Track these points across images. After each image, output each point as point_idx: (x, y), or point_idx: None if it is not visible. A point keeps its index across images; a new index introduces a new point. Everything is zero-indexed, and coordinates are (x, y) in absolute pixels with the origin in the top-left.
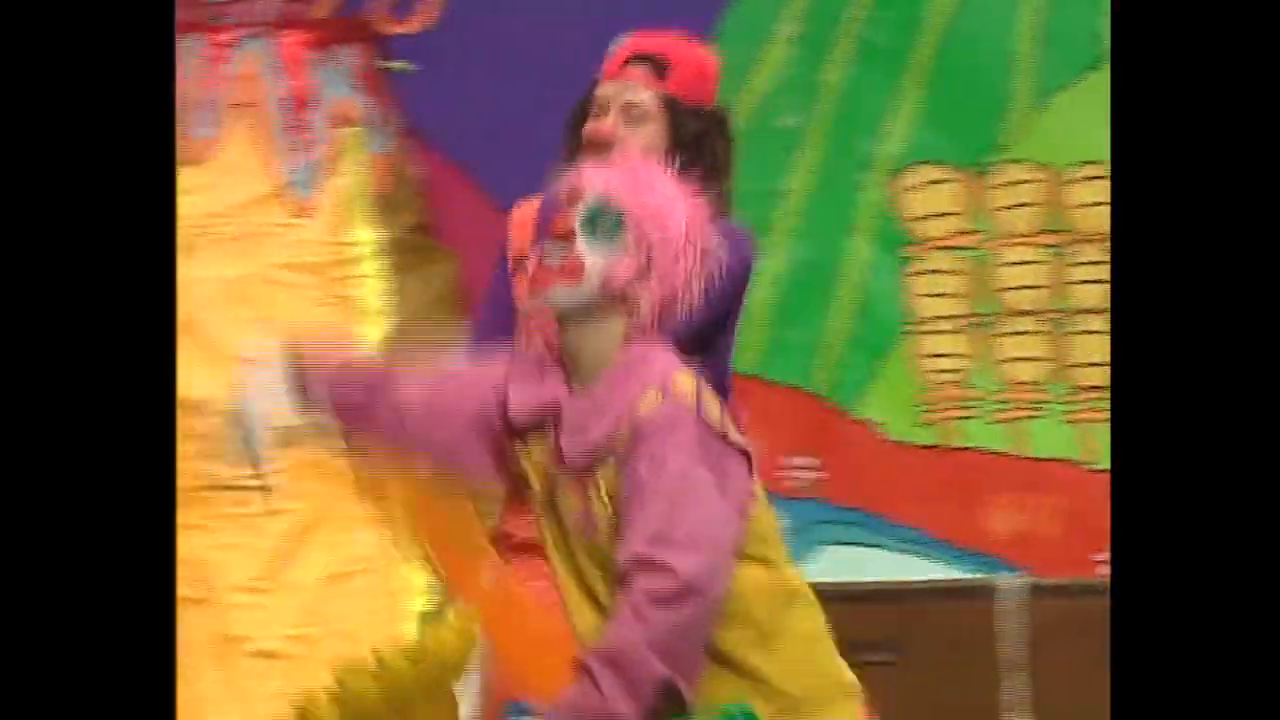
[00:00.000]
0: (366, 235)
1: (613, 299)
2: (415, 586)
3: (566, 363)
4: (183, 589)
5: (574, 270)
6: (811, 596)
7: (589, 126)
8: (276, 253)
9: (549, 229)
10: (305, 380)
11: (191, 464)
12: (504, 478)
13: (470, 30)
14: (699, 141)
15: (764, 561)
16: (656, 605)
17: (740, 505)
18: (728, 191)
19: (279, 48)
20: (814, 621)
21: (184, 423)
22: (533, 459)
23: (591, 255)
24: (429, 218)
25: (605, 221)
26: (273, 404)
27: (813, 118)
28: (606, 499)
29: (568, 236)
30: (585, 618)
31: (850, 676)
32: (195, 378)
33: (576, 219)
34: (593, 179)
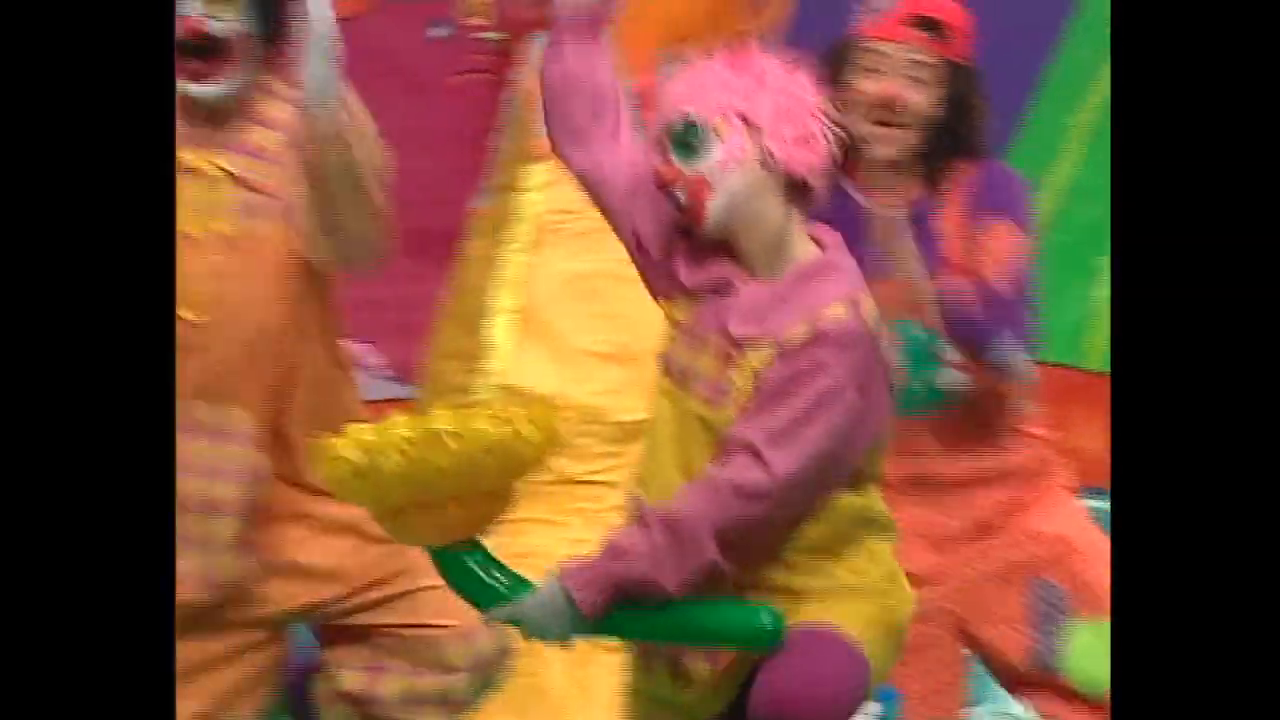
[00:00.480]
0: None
1: (753, 178)
2: None
3: (736, 250)
4: None
5: (700, 190)
6: (888, 522)
7: (874, 85)
8: (622, 249)
9: (656, 184)
10: None
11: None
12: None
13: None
14: (965, 100)
15: (862, 492)
16: (738, 496)
17: (873, 435)
18: (980, 143)
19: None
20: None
21: None
22: (675, 314)
23: (701, 166)
24: None
25: (688, 134)
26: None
27: None
28: (750, 375)
29: (674, 179)
30: (669, 477)
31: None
32: (538, 373)
33: (671, 155)
34: (658, 112)
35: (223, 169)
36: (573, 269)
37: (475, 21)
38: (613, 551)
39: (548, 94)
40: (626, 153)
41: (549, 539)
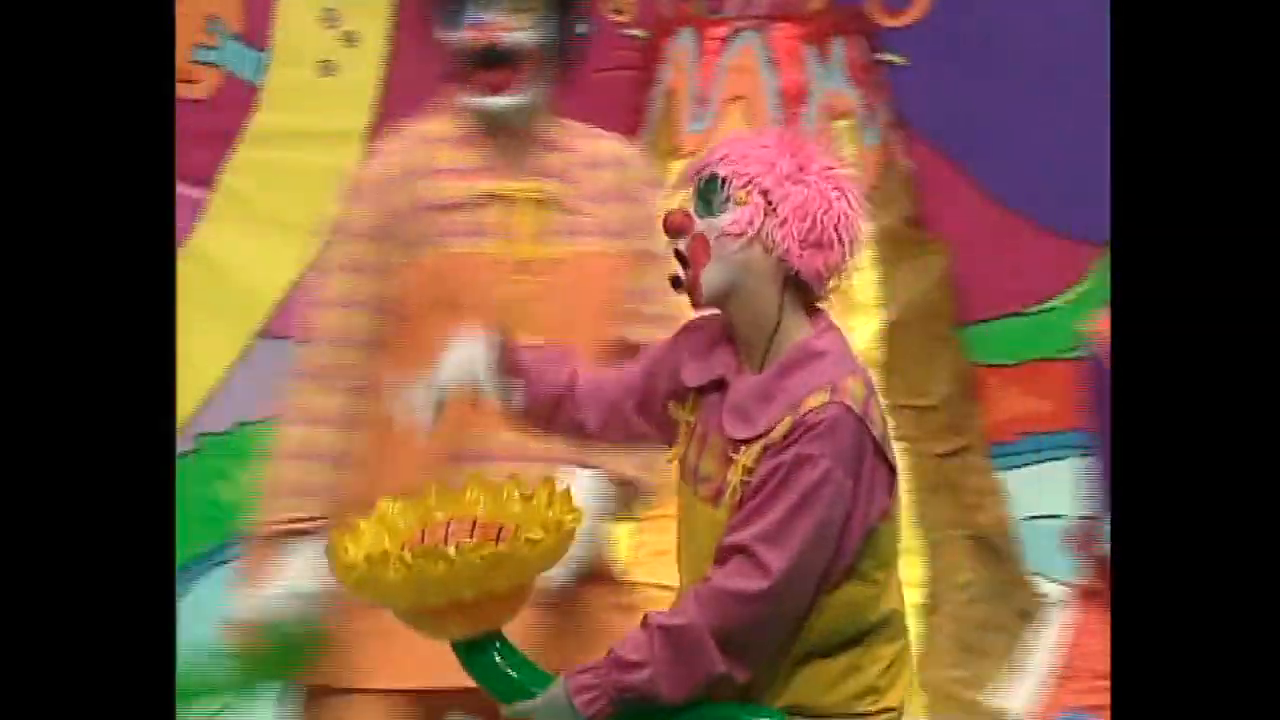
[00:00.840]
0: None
1: (753, 257)
2: None
3: (734, 336)
4: None
5: (698, 250)
6: (900, 622)
7: None
8: None
9: (664, 228)
10: (508, 351)
11: None
12: (654, 429)
13: (959, 22)
14: None
15: (870, 581)
16: (738, 601)
17: (869, 521)
18: None
19: (773, 41)
20: (893, 645)
21: None
22: (684, 416)
23: (708, 227)
24: (920, 209)
25: (709, 190)
26: (465, 374)
27: None
28: (741, 474)
29: (682, 222)
30: (698, 577)
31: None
32: None
33: (692, 200)
34: (702, 163)
35: (536, 194)
36: None
37: (619, 19)
38: (616, 661)
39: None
40: (619, 385)
41: None
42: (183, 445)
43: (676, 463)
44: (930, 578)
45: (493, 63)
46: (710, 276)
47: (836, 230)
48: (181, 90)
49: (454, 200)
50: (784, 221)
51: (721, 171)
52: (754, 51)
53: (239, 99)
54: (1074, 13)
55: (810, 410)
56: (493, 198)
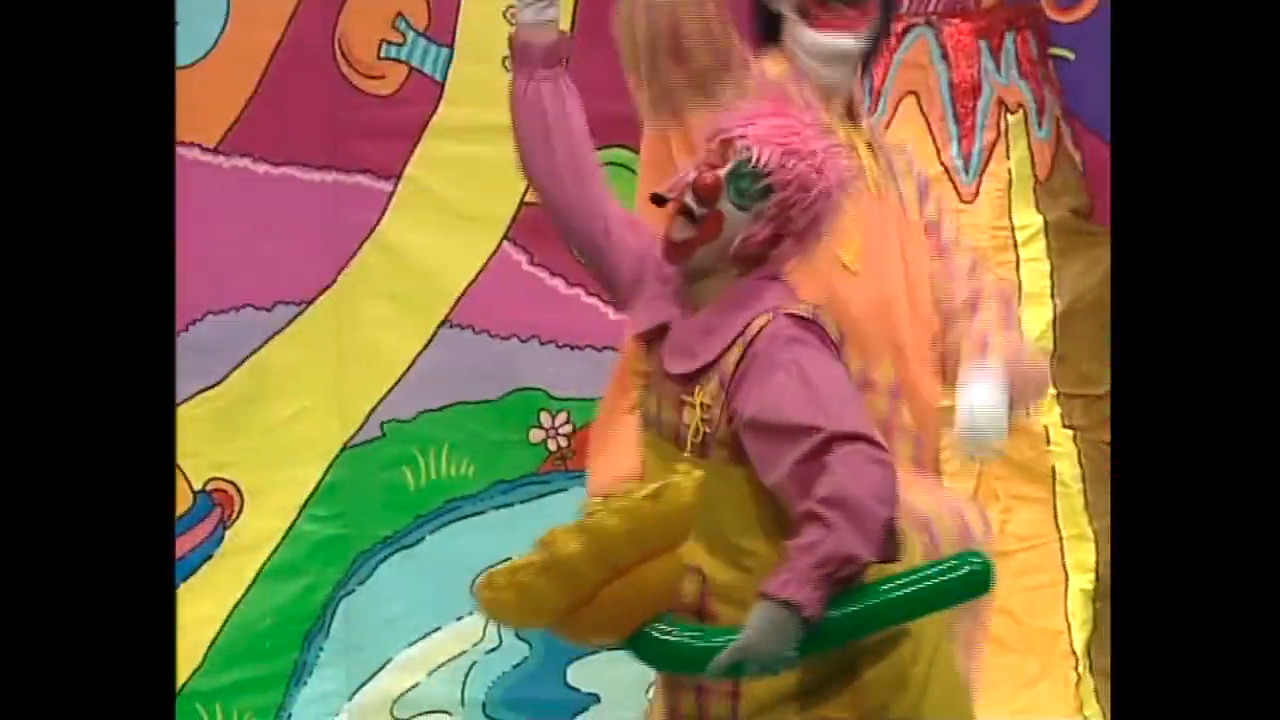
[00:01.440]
0: (1029, 219)
1: (743, 259)
2: (1079, 564)
3: (684, 299)
4: None
5: (712, 225)
6: None
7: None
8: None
9: (693, 185)
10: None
11: None
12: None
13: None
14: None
15: None
16: (869, 461)
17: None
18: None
19: (946, 36)
20: None
21: None
22: (641, 368)
23: (732, 217)
24: (1090, 201)
25: (750, 185)
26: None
27: None
28: (699, 409)
29: (714, 193)
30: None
31: None
32: None
33: (723, 175)
34: (744, 134)
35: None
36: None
37: None
38: (800, 549)
39: (525, 131)
40: (602, 198)
41: None
42: (368, 432)
43: (639, 413)
44: (1100, 563)
45: (854, 2)
46: (704, 257)
47: (817, 226)
48: (369, 86)
49: None
50: (786, 249)
51: (771, 176)
52: (928, 46)
53: (425, 94)
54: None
55: (760, 329)
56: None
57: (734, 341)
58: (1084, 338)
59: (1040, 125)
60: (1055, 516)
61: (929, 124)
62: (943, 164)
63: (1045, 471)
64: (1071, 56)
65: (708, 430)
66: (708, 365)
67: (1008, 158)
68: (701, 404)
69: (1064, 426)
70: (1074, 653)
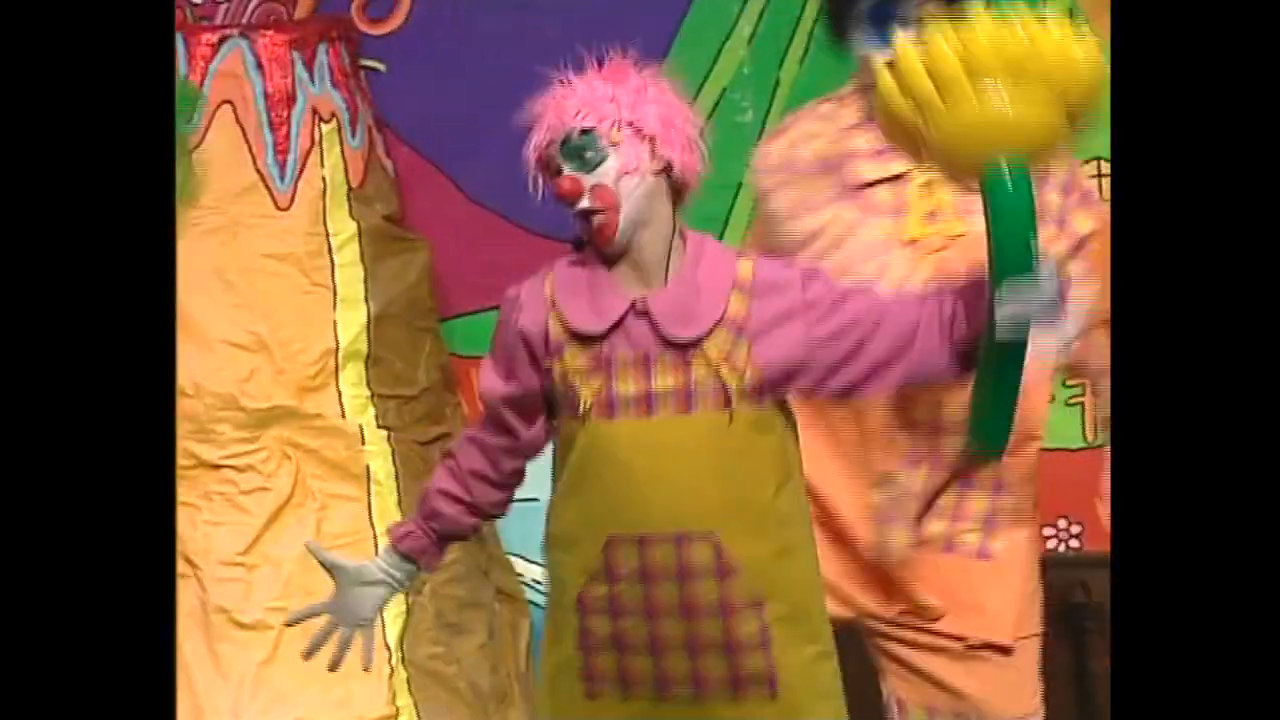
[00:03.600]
0: (344, 225)
1: (649, 185)
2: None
3: (629, 265)
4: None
5: (607, 198)
6: None
7: None
8: (258, 242)
9: (561, 198)
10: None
11: (181, 445)
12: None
13: (436, 31)
14: None
15: None
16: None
17: None
18: None
19: (260, 48)
20: None
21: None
22: (576, 364)
23: (601, 176)
24: (402, 208)
25: (585, 145)
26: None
27: (769, 113)
28: (712, 363)
29: (577, 189)
30: (702, 492)
31: None
32: (180, 363)
33: (567, 168)
34: (546, 126)
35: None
36: (208, 262)
37: None
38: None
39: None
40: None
41: (184, 521)
42: None
43: (590, 406)
44: None
45: None
46: (625, 218)
47: (691, 125)
48: None
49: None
50: (663, 141)
51: (586, 123)
52: (243, 57)
53: None
54: (539, 23)
55: (752, 271)
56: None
57: (730, 292)
58: (398, 340)
59: (354, 134)
60: (370, 514)
61: (245, 132)
62: (259, 171)
63: (360, 471)
64: (383, 68)
65: (728, 381)
66: (711, 322)
67: (322, 165)
68: (719, 354)
69: (378, 427)
70: (388, 646)
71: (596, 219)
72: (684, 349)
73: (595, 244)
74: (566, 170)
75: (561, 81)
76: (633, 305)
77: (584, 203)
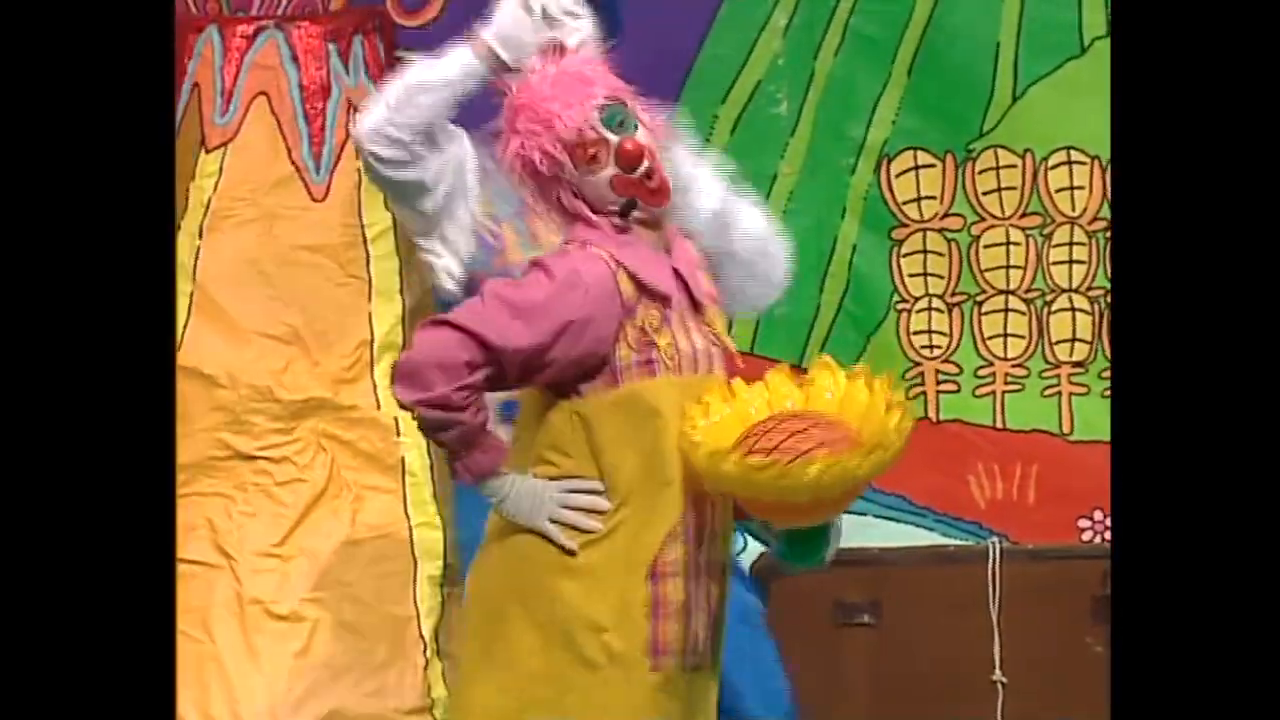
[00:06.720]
0: (378, 217)
1: None
2: (428, 551)
3: (657, 234)
4: (209, 554)
5: (653, 154)
6: None
7: None
8: (294, 234)
9: (626, 159)
10: None
11: (216, 436)
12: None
13: (471, 22)
14: None
15: None
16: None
17: None
18: None
19: (295, 39)
20: None
21: (208, 396)
22: (652, 320)
23: (645, 141)
24: None
25: (621, 114)
26: None
27: (804, 105)
28: (720, 330)
29: (642, 152)
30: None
31: None
32: (215, 354)
33: (619, 133)
34: (576, 103)
35: None
36: (243, 254)
37: None
38: None
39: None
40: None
41: (218, 512)
42: None
43: (664, 362)
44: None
45: None
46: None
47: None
48: None
49: None
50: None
51: (615, 96)
52: (278, 49)
53: None
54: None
55: (699, 252)
56: None
57: (700, 270)
58: None
59: None
60: (405, 506)
61: (280, 124)
62: (294, 163)
63: (395, 463)
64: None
65: (729, 346)
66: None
67: (357, 157)
68: (716, 326)
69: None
70: (422, 638)
71: (658, 178)
72: (699, 315)
73: (653, 203)
74: (620, 134)
75: (523, 85)
76: (675, 270)
77: (647, 162)
